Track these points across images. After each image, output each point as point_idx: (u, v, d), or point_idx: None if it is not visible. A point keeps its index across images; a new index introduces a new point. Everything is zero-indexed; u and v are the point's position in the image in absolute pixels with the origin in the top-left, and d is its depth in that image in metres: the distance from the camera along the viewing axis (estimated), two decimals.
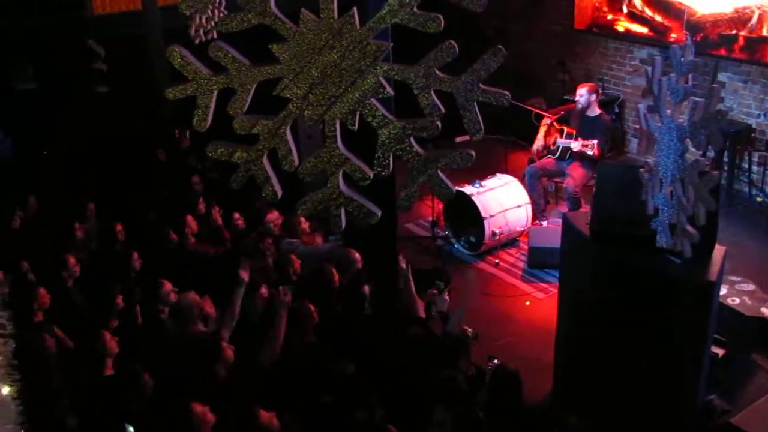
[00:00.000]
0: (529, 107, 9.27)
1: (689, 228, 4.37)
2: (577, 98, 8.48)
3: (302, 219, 6.95)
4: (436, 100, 3.87)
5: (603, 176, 5.51)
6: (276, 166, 4.07)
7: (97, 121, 9.05)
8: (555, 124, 8.75)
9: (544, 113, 9.04)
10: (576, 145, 8.26)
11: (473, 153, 4.00)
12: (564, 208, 8.56)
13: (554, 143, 8.66)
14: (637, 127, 10.40)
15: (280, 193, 4.12)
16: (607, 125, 8.45)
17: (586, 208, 7.54)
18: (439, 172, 4.04)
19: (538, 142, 8.83)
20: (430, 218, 8.73)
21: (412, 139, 3.97)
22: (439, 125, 3.89)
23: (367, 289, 5.89)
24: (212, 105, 3.92)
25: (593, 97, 8.42)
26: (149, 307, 5.80)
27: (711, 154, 8.98)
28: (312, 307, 5.55)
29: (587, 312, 5.48)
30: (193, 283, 5.90)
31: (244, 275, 5.66)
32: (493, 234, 8.05)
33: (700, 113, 4.15)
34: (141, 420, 4.67)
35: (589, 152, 8.11)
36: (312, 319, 5.54)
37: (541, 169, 8.69)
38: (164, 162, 8.70)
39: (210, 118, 3.94)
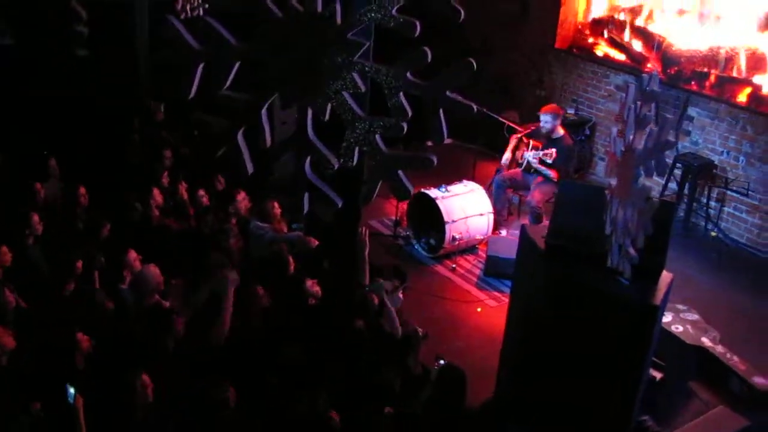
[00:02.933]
0: (503, 119, 9.42)
1: (630, 250, 4.54)
2: (541, 124, 8.62)
3: (276, 204, 6.97)
4: (405, 103, 3.98)
5: (564, 193, 5.61)
6: (250, 145, 4.16)
7: (72, 84, 8.98)
8: (524, 138, 8.91)
9: (515, 126, 9.20)
10: (531, 155, 8.46)
11: (434, 158, 4.11)
12: (525, 221, 8.71)
13: (522, 156, 8.82)
14: (608, 150, 10.61)
15: (251, 170, 4.21)
16: (569, 146, 8.61)
17: (546, 223, 7.69)
18: (399, 171, 4.15)
19: (507, 154, 8.97)
20: (394, 217, 8.84)
21: (377, 137, 4.09)
22: (404, 126, 4.01)
23: (310, 283, 5.94)
24: (197, 76, 3.99)
25: (557, 121, 8.59)
26: (111, 274, 5.81)
27: (673, 185, 9.23)
28: (261, 291, 5.58)
29: (534, 324, 5.57)
30: (153, 256, 5.93)
31: (232, 278, 5.61)
32: (453, 239, 8.19)
33: (652, 141, 4.31)
34: (83, 382, 4.68)
35: (548, 160, 8.30)
36: (260, 303, 5.58)
37: (509, 179, 8.86)
38: (136, 132, 8.68)
39: (195, 88, 4.02)
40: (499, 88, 11.25)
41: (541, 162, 8.42)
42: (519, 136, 8.91)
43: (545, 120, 8.54)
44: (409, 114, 3.97)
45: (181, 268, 6.09)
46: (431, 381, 5.28)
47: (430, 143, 9.22)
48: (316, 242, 6.46)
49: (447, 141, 4.20)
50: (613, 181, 5.00)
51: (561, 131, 8.63)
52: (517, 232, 6.24)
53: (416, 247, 8.58)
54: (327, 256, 6.30)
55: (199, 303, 5.55)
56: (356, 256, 5.81)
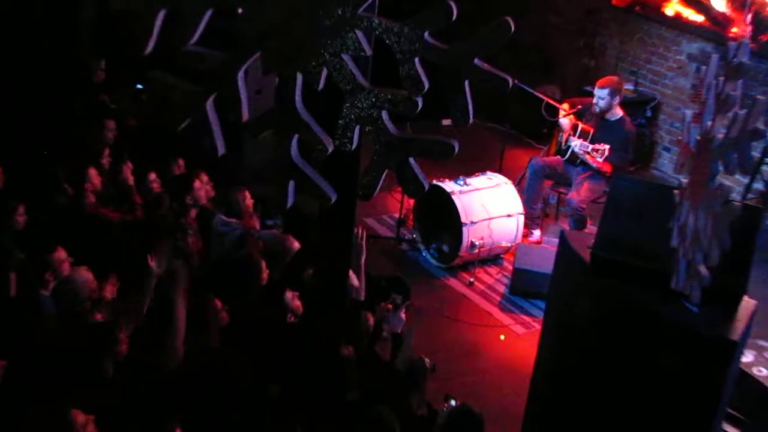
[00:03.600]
0: (539, 94, 9.46)
1: (702, 268, 4.54)
2: (595, 101, 8.66)
3: (247, 193, 6.98)
4: (421, 71, 3.99)
5: (618, 192, 5.59)
6: (221, 117, 4.19)
7: None
8: (571, 118, 8.94)
9: (557, 105, 9.24)
10: (578, 145, 8.50)
11: (456, 144, 4.13)
12: (565, 225, 8.80)
13: (566, 141, 8.89)
14: (673, 138, 10.66)
15: (221, 150, 4.23)
16: (630, 133, 8.68)
17: (592, 229, 7.77)
18: (411, 159, 4.17)
19: (564, 120, 9.01)
20: (397, 215, 8.88)
21: (384, 114, 4.11)
22: (419, 103, 4.03)
23: (290, 295, 5.97)
24: (157, 28, 4.01)
25: (616, 99, 8.62)
26: (30, 277, 5.78)
27: (759, 185, 9.23)
28: (219, 306, 5.60)
29: (574, 358, 5.59)
30: (86, 255, 5.94)
31: (156, 263, 5.67)
32: (472, 245, 8.25)
33: (736, 129, 4.32)
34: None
35: (599, 158, 8.32)
36: (218, 321, 5.60)
37: (548, 167, 8.98)
38: (72, 94, 8.66)
39: (153, 42, 4.04)
40: (533, 56, 11.28)
41: (594, 151, 8.45)
42: (569, 112, 8.87)
43: (600, 96, 8.58)
44: (426, 86, 3.99)
45: (121, 271, 6.08)
46: (439, 426, 5.31)
47: (446, 122, 9.37)
48: (298, 244, 6.50)
49: (471, 120, 4.22)
50: (683, 179, 5.02)
51: (619, 112, 8.69)
52: (555, 240, 6.28)
53: (424, 254, 8.65)
54: (311, 262, 6.33)
55: (142, 311, 5.56)
56: (349, 264, 5.84)
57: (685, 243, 4.72)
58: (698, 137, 4.82)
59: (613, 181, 6.30)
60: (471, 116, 4.03)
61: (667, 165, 10.97)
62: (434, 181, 8.44)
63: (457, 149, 4.13)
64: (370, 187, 4.25)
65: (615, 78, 8.98)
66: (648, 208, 5.25)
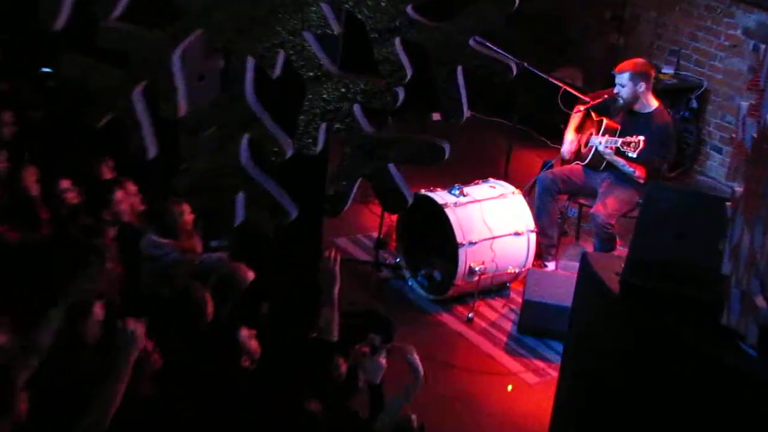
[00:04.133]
0: (554, 81, 9.50)
1: (760, 300, 4.58)
2: (616, 89, 8.77)
3: (186, 207, 6.90)
4: (402, 54, 4.03)
5: (654, 204, 5.68)
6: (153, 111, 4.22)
7: None
8: (593, 113, 9.06)
9: (579, 94, 9.33)
10: (602, 143, 8.62)
11: (447, 145, 4.18)
12: (588, 245, 8.89)
13: (586, 142, 8.97)
14: (724, 136, 10.75)
15: (153, 151, 4.27)
16: (667, 126, 8.75)
17: (622, 251, 7.89)
18: (391, 165, 4.21)
19: (570, 136, 9.11)
20: (376, 234, 8.91)
21: (357, 108, 4.14)
22: (400, 94, 4.07)
23: (245, 333, 5.99)
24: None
25: (643, 85, 8.67)
26: None
27: None
28: (150, 347, 5.60)
29: (603, 412, 5.64)
30: None
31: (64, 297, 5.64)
32: (471, 272, 8.30)
33: None
34: None
35: (632, 153, 8.36)
36: (150, 366, 5.59)
37: (562, 180, 9.02)
38: None
39: (64, 15, 4.06)
40: (545, 34, 11.34)
41: (619, 153, 8.52)
42: (585, 107, 8.99)
43: (621, 83, 8.69)
44: (409, 73, 4.03)
45: (20, 301, 6.07)
46: None
47: (437, 117, 9.43)
48: (251, 273, 6.52)
49: (466, 114, 4.26)
50: (737, 187, 5.08)
51: (653, 103, 8.76)
52: (575, 264, 6.33)
53: (411, 283, 8.71)
54: (268, 294, 6.36)
55: (43, 354, 5.55)
56: (317, 297, 5.88)
57: (738, 268, 4.76)
58: (755, 134, 4.87)
59: (648, 189, 6.40)
60: (466, 109, 4.09)
61: (717, 169, 11.07)
62: (422, 191, 8.26)
63: (448, 152, 4.20)
64: (340, 201, 4.30)
65: (638, 60, 9.01)
66: (692, 224, 5.33)
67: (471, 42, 4.01)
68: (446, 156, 4.20)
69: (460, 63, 4.05)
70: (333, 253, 6.15)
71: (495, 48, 7.36)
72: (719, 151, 10.95)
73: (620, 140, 8.47)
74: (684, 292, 5.26)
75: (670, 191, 6.06)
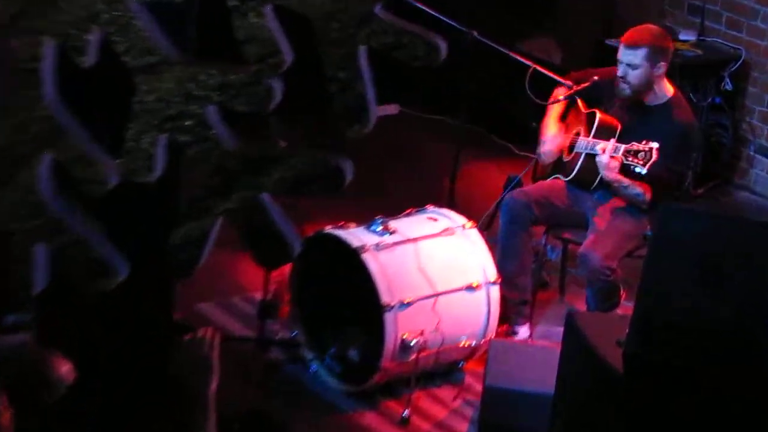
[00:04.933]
0: (520, 58, 9.45)
1: None
2: (620, 71, 8.68)
3: None
4: (276, 28, 3.99)
5: (668, 237, 5.67)
6: None
7: None
8: (579, 103, 9.07)
9: (555, 76, 9.26)
10: (588, 146, 8.52)
11: (347, 166, 4.14)
12: (579, 302, 8.90)
13: (570, 147, 8.95)
14: None
15: None
16: (689, 128, 8.69)
17: (627, 308, 7.82)
18: (265, 196, 4.16)
19: (551, 131, 9.03)
20: (259, 295, 8.82)
21: (212, 111, 4.10)
22: (277, 92, 4.02)
23: None
24: None
25: (661, 67, 8.58)
26: None
27: None
28: None
29: None
30: None
31: None
32: (405, 347, 8.16)
33: None
34: None
35: (642, 169, 8.25)
36: None
37: (537, 203, 8.91)
38: None
39: None
40: None
41: (624, 169, 8.39)
42: (567, 94, 8.94)
43: (630, 61, 8.54)
44: (288, 58, 3.99)
45: None
46: None
47: (392, 111, 9.31)
48: (67, 365, 6.43)
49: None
50: None
51: (668, 90, 8.74)
52: (558, 331, 6.32)
53: (315, 367, 8.56)
54: (97, 392, 6.29)
55: None
56: (175, 397, 5.81)
57: None
58: None
59: (659, 216, 6.25)
60: (373, 109, 4.04)
61: (765, 181, 11.12)
62: (327, 229, 8.16)
63: (349, 175, 4.14)
64: (192, 254, 4.24)
65: (654, 28, 8.94)
66: (726, 264, 5.32)
67: (377, 10, 3.95)
68: (345, 182, 4.14)
69: (362, 42, 3.98)
70: (210, 333, 6.06)
71: (432, 11, 7.38)
72: (766, 154, 10.99)
73: (623, 147, 8.35)
74: (715, 368, 5.24)
75: (692, 217, 5.96)
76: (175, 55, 4.09)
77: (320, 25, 3.87)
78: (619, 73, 8.55)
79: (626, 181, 8.29)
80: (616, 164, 8.18)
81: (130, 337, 5.51)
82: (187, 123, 4.15)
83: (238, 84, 4.05)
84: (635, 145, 8.10)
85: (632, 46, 8.51)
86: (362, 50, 3.90)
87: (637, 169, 8.08)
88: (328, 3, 3.81)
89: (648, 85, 8.55)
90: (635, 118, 8.66)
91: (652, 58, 8.45)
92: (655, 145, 8.02)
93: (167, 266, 4.68)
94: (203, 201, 4.17)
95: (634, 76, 8.51)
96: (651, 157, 8.01)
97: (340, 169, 4.11)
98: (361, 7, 3.71)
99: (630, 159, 8.09)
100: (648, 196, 8.39)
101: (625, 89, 8.58)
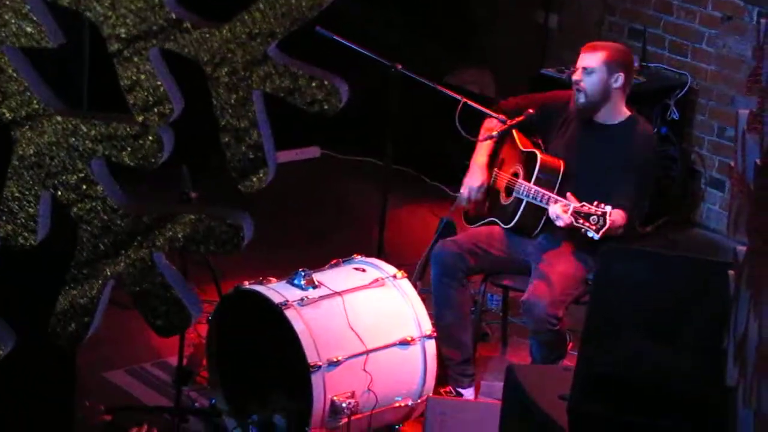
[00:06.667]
0: (449, 92, 9.41)
1: None
2: (577, 77, 8.64)
3: None
4: (166, 76, 3.93)
5: (609, 281, 5.69)
6: None
7: None
8: (516, 136, 9.02)
9: (487, 110, 9.20)
10: (555, 210, 8.37)
11: (248, 222, 4.07)
12: (523, 354, 8.74)
13: (507, 189, 8.88)
14: (725, 160, 10.81)
15: None
16: (651, 149, 8.83)
17: (572, 358, 7.80)
18: (158, 256, 4.09)
19: (476, 179, 8.94)
20: (175, 361, 8.72)
21: (97, 165, 4.02)
22: (166, 139, 3.95)
23: None
24: None
25: (619, 79, 8.62)
26: None
27: None
28: None
29: None
30: None
31: None
32: (335, 410, 8.10)
33: None
34: None
35: (594, 233, 8.14)
36: None
37: (470, 252, 8.86)
38: None
39: None
40: (441, 19, 11.38)
41: (579, 217, 8.24)
42: (500, 129, 8.89)
43: (590, 65, 8.59)
44: (177, 106, 3.92)
45: None
46: None
47: (314, 154, 9.27)
48: None
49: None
50: (740, 247, 5.04)
51: (626, 111, 8.78)
52: (497, 386, 6.27)
53: None
54: None
55: None
56: None
57: (746, 375, 4.70)
58: (758, 160, 4.83)
59: (600, 258, 6.35)
60: (272, 161, 3.97)
61: (718, 216, 11.15)
62: (246, 284, 8.29)
63: (250, 234, 4.07)
64: (80, 323, 4.15)
65: (619, 44, 9.16)
66: (679, 308, 5.36)
67: (272, 51, 3.85)
68: (244, 240, 4.05)
69: (256, 85, 3.89)
70: (96, 408, 5.97)
71: (352, 45, 7.31)
72: (720, 186, 11.01)
73: (572, 206, 8.19)
74: (666, 422, 5.25)
75: (637, 258, 6.02)
76: (53, 104, 4.00)
77: (209, 70, 3.78)
78: (575, 77, 8.64)
79: (586, 226, 8.18)
80: (570, 219, 8.14)
81: (28, 413, 5.43)
82: (68, 179, 4.03)
83: (124, 136, 3.94)
84: (586, 207, 8.06)
85: (590, 50, 8.70)
86: (257, 95, 3.80)
87: (590, 234, 8.10)
88: (216, 44, 3.71)
89: (604, 96, 8.58)
90: (593, 139, 8.70)
91: (609, 65, 8.56)
92: (608, 208, 8.05)
93: (54, 336, 4.58)
94: (90, 264, 4.05)
95: (590, 82, 8.57)
96: (604, 223, 8.04)
97: (238, 227, 4.01)
98: (253, 48, 3.62)
99: (581, 222, 8.03)
100: (598, 235, 8.32)
101: (580, 97, 8.62)
